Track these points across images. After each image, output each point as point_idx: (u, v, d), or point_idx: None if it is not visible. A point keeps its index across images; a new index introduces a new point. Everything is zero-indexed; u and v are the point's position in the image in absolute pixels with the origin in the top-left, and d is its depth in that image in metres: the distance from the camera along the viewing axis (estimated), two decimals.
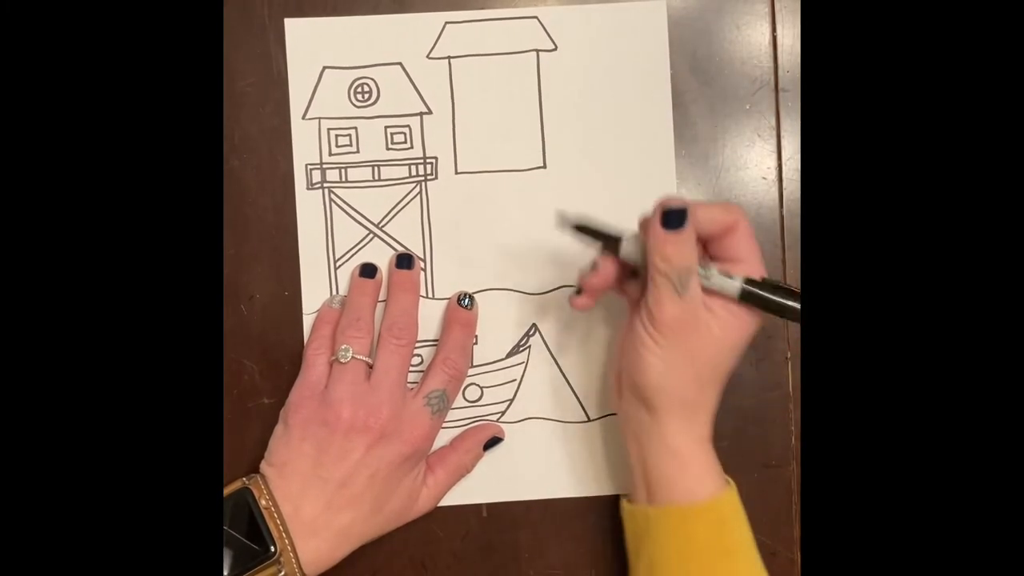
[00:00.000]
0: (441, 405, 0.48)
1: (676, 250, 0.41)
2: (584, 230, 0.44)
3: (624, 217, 0.46)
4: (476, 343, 0.52)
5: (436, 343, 0.52)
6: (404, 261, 0.51)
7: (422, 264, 0.52)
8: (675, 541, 0.43)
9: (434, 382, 0.49)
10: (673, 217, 0.41)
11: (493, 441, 0.51)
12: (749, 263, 0.42)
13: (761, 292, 0.41)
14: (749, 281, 0.41)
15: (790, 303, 0.41)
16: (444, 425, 0.52)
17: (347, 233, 0.52)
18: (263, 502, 0.46)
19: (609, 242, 0.44)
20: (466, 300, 0.51)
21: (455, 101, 0.52)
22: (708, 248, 0.44)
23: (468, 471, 0.51)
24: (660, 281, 0.41)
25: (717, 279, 0.41)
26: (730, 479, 0.45)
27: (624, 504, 0.47)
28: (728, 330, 0.42)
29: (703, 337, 0.42)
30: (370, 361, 0.48)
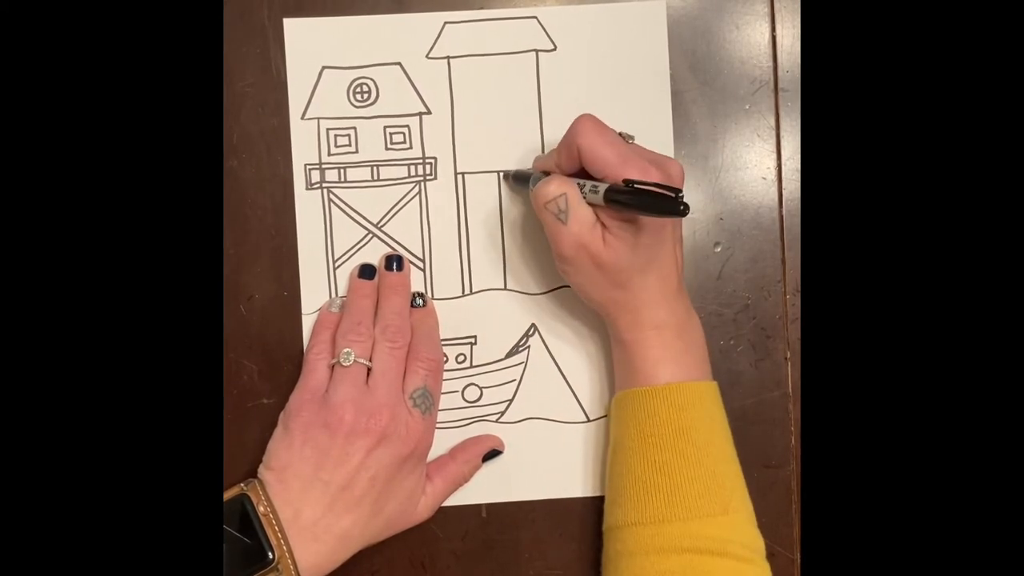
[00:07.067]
0: (427, 402, 0.48)
1: (542, 190, 0.45)
2: (516, 177, 0.51)
3: None
4: (475, 343, 0.52)
5: (444, 341, 0.52)
6: (393, 263, 0.51)
7: (420, 264, 0.52)
8: (634, 420, 0.46)
9: (412, 381, 0.49)
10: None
11: (492, 453, 0.52)
12: (614, 170, 0.43)
13: (622, 193, 0.42)
14: (613, 187, 0.43)
15: (658, 192, 0.41)
16: (444, 426, 0.52)
17: (346, 233, 0.52)
18: (261, 508, 0.46)
19: (522, 179, 0.50)
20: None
21: (454, 101, 0.52)
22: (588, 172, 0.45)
23: (466, 481, 0.51)
24: (545, 217, 0.45)
25: (589, 194, 0.44)
26: (712, 381, 0.48)
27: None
28: (622, 233, 0.44)
29: (603, 249, 0.44)
30: (371, 365, 0.48)
